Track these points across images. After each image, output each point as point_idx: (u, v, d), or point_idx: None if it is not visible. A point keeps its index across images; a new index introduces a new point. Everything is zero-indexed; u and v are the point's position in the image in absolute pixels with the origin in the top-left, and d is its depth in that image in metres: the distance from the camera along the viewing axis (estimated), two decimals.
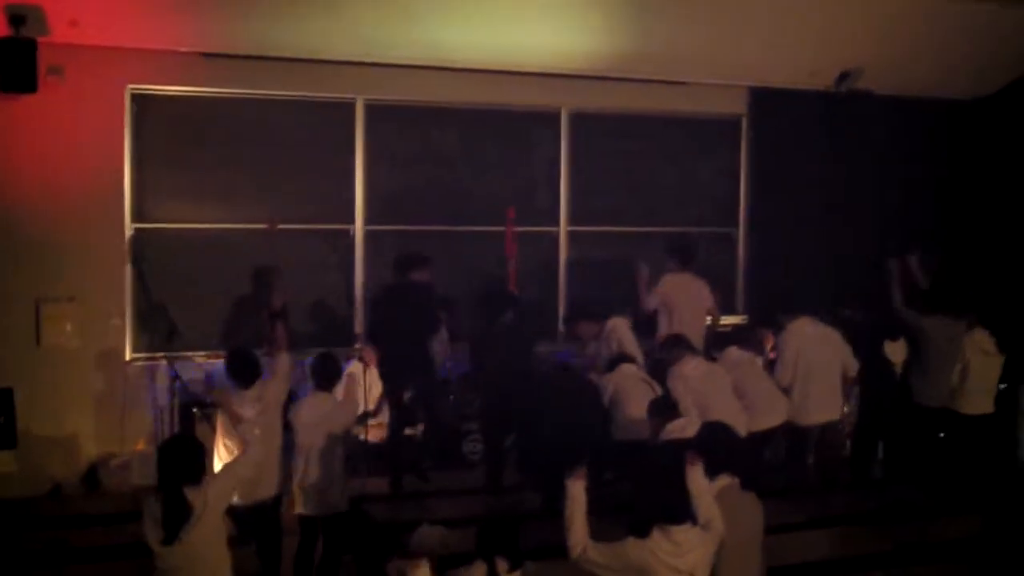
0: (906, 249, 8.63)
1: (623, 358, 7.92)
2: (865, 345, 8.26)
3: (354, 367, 8.08)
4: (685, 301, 8.58)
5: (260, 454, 5.63)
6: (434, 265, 8.55)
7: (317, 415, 6.39)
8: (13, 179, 8.20)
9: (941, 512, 7.85)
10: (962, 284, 9.37)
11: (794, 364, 7.86)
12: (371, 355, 8.41)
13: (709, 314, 8.78)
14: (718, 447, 5.12)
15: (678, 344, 7.71)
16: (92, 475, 8.34)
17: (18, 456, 8.02)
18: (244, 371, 6.32)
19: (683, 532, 4.61)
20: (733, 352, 8.03)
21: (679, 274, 8.65)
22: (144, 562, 4.95)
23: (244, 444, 5.61)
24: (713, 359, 8.04)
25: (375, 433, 8.52)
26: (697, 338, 8.34)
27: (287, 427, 6.44)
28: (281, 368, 6.34)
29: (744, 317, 10.13)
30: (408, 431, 8.60)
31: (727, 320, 9.33)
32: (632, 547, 4.59)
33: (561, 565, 4.80)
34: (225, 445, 6.26)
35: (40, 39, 7.87)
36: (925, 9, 9.28)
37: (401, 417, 8.47)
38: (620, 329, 8.38)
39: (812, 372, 7.89)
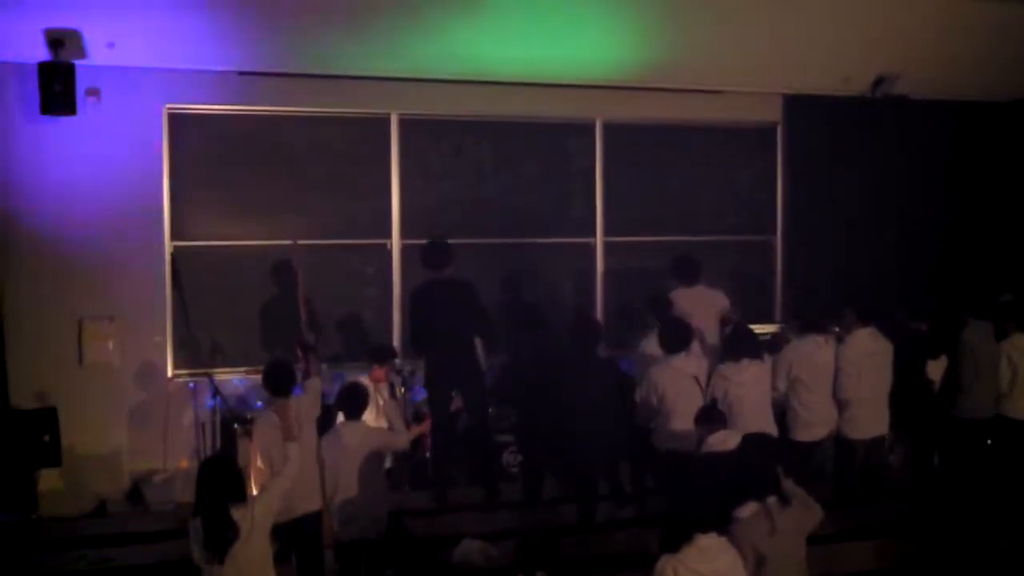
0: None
1: None
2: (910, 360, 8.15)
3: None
4: (701, 313, 8.35)
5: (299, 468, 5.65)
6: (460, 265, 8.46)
7: (353, 444, 6.40)
8: (54, 200, 8.30)
9: (991, 523, 7.72)
10: (996, 289, 9.29)
11: (857, 376, 7.75)
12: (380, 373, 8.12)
13: (724, 318, 8.55)
14: (761, 462, 5.09)
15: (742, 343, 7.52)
16: (136, 492, 8.40)
17: (63, 474, 8.10)
18: (281, 383, 6.34)
19: (708, 539, 4.69)
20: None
21: (689, 289, 8.49)
22: None
23: (285, 459, 5.63)
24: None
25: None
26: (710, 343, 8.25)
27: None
28: (312, 388, 6.48)
29: (781, 325, 10.03)
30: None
31: (765, 328, 9.24)
32: (667, 564, 4.64)
33: None
34: (261, 466, 6.22)
35: (78, 62, 7.99)
36: (960, 12, 9.17)
37: (446, 428, 8.34)
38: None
39: (869, 386, 7.77)
